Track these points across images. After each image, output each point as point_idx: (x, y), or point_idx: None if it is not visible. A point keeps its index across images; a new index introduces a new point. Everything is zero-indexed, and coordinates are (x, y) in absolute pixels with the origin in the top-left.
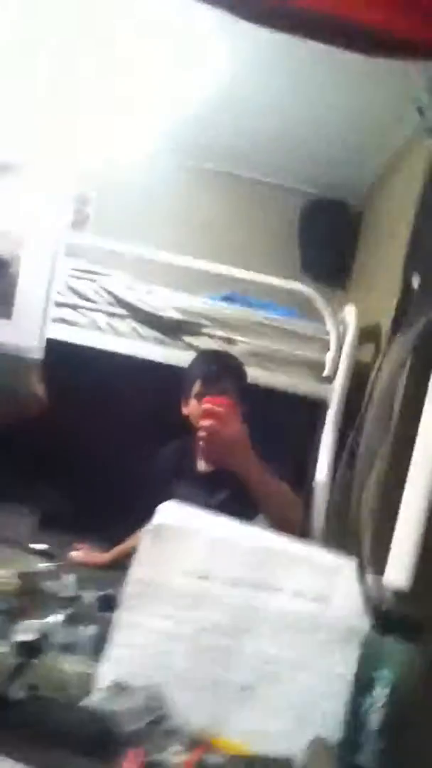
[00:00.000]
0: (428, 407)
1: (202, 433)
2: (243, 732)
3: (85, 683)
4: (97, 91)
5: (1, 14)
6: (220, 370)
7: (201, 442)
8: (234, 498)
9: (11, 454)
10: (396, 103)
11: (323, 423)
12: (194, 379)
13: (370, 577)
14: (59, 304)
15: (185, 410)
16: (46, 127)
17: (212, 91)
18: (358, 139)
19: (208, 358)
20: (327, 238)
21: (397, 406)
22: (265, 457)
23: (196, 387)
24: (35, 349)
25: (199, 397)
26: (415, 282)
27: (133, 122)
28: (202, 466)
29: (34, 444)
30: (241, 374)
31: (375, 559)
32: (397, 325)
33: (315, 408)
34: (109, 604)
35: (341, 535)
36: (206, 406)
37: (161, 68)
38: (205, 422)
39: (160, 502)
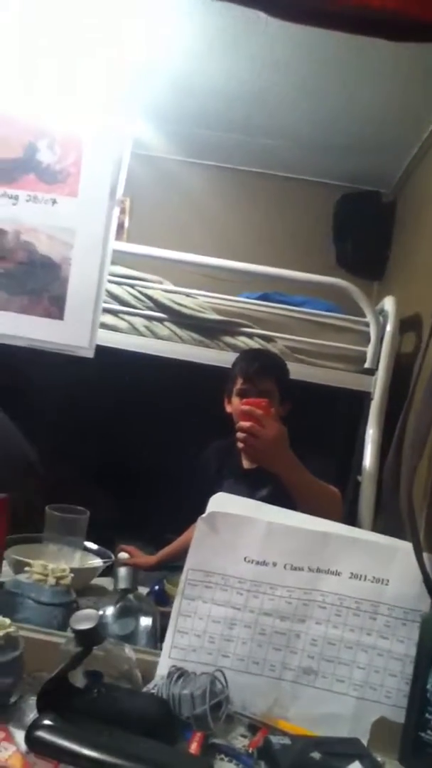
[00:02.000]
0: None
1: (240, 435)
2: (305, 715)
3: (148, 670)
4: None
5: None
6: (262, 368)
7: (239, 444)
8: (275, 495)
9: (64, 456)
10: (425, 89)
11: (367, 416)
12: (236, 377)
13: (426, 557)
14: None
15: (228, 408)
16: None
17: (241, 92)
18: (387, 129)
19: (250, 356)
20: (362, 230)
21: None
22: (308, 453)
23: (239, 385)
24: (86, 350)
25: (242, 395)
26: None
27: (163, 124)
28: (246, 463)
29: (82, 448)
30: (283, 372)
31: (430, 540)
32: None
33: (358, 401)
34: (161, 597)
35: (392, 524)
36: (244, 407)
37: (186, 68)
38: (243, 424)
39: (207, 500)
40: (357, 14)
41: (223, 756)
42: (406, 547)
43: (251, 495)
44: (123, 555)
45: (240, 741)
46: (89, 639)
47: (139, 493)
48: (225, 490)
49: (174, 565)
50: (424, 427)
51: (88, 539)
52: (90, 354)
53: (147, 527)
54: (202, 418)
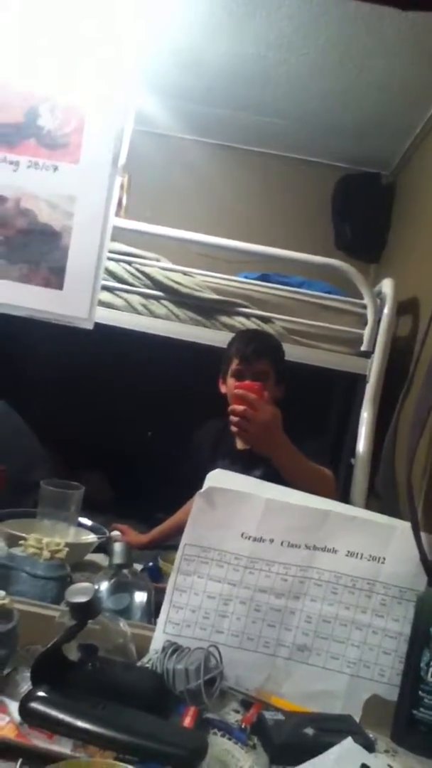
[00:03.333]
0: None
1: (233, 419)
2: (299, 692)
3: (142, 644)
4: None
5: None
6: (258, 349)
7: (232, 427)
8: (269, 475)
9: (57, 434)
10: (424, 70)
11: (361, 398)
12: (232, 358)
13: (424, 537)
14: None
15: (223, 389)
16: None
17: (237, 70)
18: (387, 110)
19: (246, 337)
20: (360, 212)
21: None
22: (302, 435)
23: (234, 366)
24: (86, 320)
25: (237, 376)
26: None
27: (165, 100)
28: (239, 444)
29: (76, 426)
30: (279, 353)
31: (428, 520)
32: None
33: (353, 383)
34: (156, 574)
35: (388, 505)
36: (237, 391)
37: (190, 44)
38: (236, 408)
39: (200, 480)
40: None
41: (216, 730)
42: (404, 526)
43: (246, 475)
44: (115, 533)
45: (233, 716)
46: (84, 612)
47: (132, 472)
48: (219, 469)
49: (168, 544)
50: (425, 408)
51: (82, 517)
52: (89, 325)
53: (139, 506)
54: (197, 398)
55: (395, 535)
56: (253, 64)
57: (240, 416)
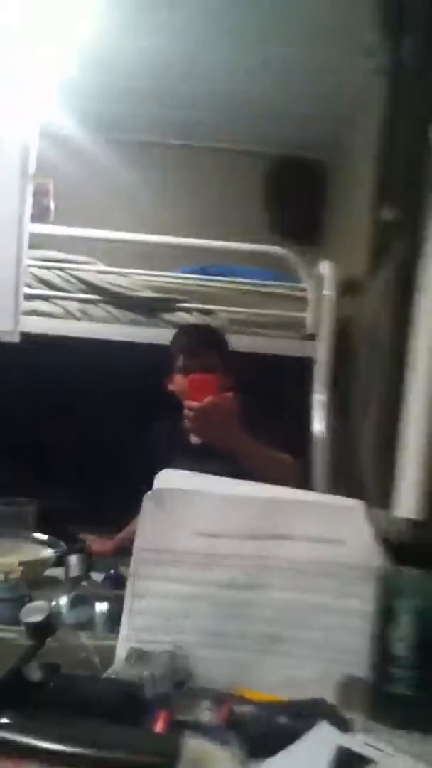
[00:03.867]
0: (419, 331)
1: (187, 414)
2: (271, 682)
3: (106, 656)
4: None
5: None
6: (201, 342)
7: (187, 422)
8: (224, 468)
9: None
10: (345, 49)
11: (313, 381)
12: (176, 354)
13: (379, 513)
14: (30, 297)
15: (171, 386)
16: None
17: (158, 60)
18: (316, 94)
19: (187, 331)
20: (293, 196)
21: (386, 341)
22: (262, 423)
23: (179, 362)
24: (11, 334)
25: (183, 371)
26: (389, 215)
27: (78, 102)
28: (194, 438)
29: (26, 438)
30: (223, 344)
31: (383, 495)
32: (375, 266)
33: (306, 367)
34: (117, 581)
35: (344, 485)
36: (191, 385)
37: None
38: (192, 404)
39: None
40: None
41: (190, 731)
42: (359, 505)
43: (201, 470)
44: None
45: (207, 715)
46: (41, 631)
47: (90, 479)
48: (174, 467)
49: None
50: (367, 386)
51: (43, 531)
52: (15, 339)
53: (102, 514)
54: (147, 398)
55: (352, 516)
56: (172, 56)
57: (194, 411)
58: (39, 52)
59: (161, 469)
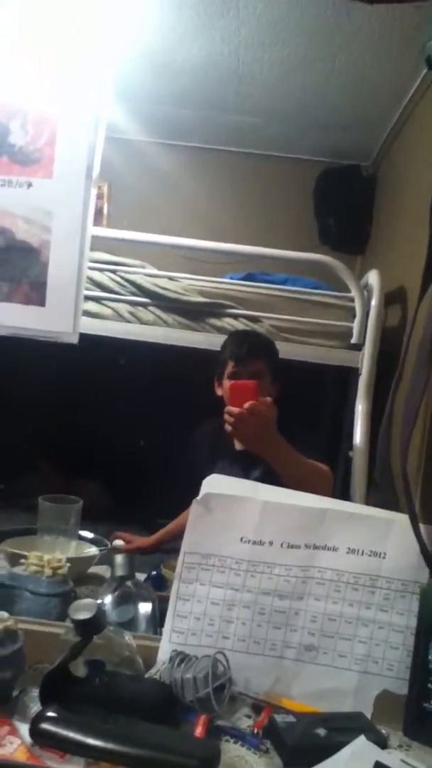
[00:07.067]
0: None
1: (227, 418)
2: (309, 692)
3: (149, 656)
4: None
5: None
6: (252, 349)
7: (227, 426)
8: (268, 475)
9: (53, 447)
10: (401, 61)
11: (355, 391)
12: (227, 360)
13: (423, 528)
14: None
15: (219, 391)
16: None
17: (210, 70)
18: (364, 102)
19: (238, 338)
20: (343, 205)
21: None
22: (299, 431)
23: (229, 368)
24: (70, 335)
25: (232, 377)
26: None
27: (139, 105)
28: (237, 444)
29: (70, 436)
30: (272, 352)
31: (426, 510)
32: (427, 280)
33: (347, 377)
34: (159, 582)
35: (387, 497)
36: (232, 390)
37: (160, 47)
38: (232, 409)
39: (200, 482)
40: None
41: (228, 737)
42: (403, 519)
43: (244, 476)
44: (118, 542)
45: (244, 721)
46: (89, 628)
47: (130, 480)
48: (218, 472)
49: (170, 548)
50: (415, 399)
51: (82, 530)
52: (74, 340)
53: (139, 513)
54: (191, 401)
55: (394, 529)
56: (226, 63)
57: (234, 417)
58: (101, 55)
59: (204, 472)
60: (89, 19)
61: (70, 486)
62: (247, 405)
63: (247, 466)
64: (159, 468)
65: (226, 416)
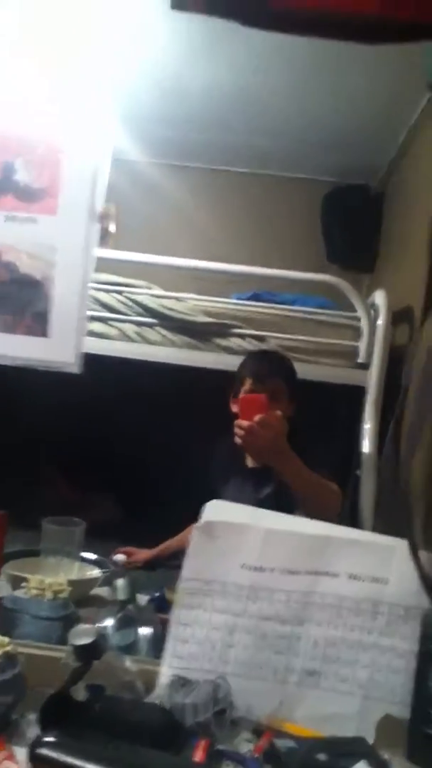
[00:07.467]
0: None
1: (238, 431)
2: (311, 717)
3: (149, 680)
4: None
5: None
6: (271, 368)
7: (237, 439)
8: (279, 492)
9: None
10: (406, 81)
11: (363, 410)
12: (244, 377)
13: (424, 555)
14: (88, 318)
15: (234, 407)
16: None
17: (217, 93)
18: (370, 122)
19: (258, 357)
20: (350, 224)
21: None
22: (308, 449)
23: (247, 386)
24: (72, 365)
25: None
26: None
27: (145, 128)
28: (250, 462)
29: (81, 450)
30: (291, 371)
31: (429, 537)
32: (430, 300)
33: (354, 396)
34: (162, 604)
35: (392, 519)
36: (242, 404)
37: (166, 71)
38: (242, 422)
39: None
40: (333, 20)
41: (229, 762)
42: (405, 545)
43: (256, 492)
44: (120, 557)
45: (246, 746)
46: (89, 654)
47: (138, 498)
48: (231, 488)
49: (175, 564)
50: (419, 420)
51: (87, 548)
52: (76, 370)
53: (147, 530)
54: (199, 419)
55: (396, 555)
56: (232, 84)
57: (245, 430)
58: (107, 78)
59: (217, 489)
60: (95, 41)
61: (80, 497)
62: (257, 418)
63: (258, 483)
64: (169, 484)
65: (236, 429)
